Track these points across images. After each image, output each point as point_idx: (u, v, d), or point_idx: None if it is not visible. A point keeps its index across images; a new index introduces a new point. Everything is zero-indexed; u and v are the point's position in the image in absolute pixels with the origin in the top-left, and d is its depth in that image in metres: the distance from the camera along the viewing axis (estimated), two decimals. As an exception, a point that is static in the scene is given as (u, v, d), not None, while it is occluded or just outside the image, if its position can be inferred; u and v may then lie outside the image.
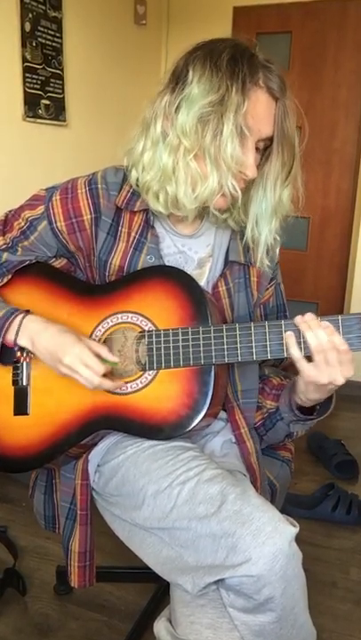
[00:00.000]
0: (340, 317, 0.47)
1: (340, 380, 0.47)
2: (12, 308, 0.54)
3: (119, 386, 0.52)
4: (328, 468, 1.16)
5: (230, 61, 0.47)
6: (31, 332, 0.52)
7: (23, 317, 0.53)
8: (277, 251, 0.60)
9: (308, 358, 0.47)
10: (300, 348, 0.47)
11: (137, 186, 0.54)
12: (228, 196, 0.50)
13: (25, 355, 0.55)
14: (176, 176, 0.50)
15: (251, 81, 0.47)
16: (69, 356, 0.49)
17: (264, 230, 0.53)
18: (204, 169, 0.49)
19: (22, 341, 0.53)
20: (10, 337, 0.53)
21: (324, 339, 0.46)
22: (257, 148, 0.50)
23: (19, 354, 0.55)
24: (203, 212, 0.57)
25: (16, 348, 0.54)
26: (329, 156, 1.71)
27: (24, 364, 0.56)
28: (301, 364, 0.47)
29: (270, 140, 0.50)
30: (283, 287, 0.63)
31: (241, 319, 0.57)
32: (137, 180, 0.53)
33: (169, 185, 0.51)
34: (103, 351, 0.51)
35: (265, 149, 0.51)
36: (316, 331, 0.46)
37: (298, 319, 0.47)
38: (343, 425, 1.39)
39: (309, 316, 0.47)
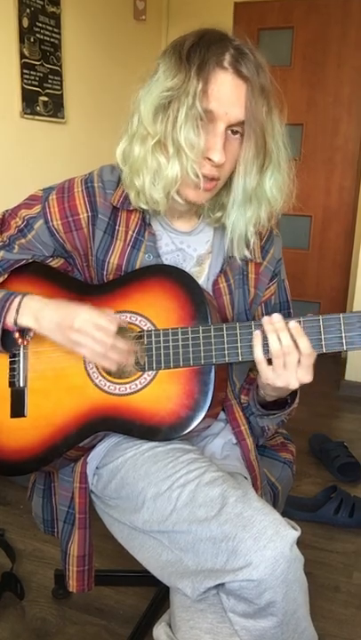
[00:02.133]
0: (341, 315, 0.46)
1: (294, 385, 0.47)
2: (6, 291, 0.53)
3: (132, 347, 0.50)
4: (331, 470, 1.15)
5: (192, 47, 0.46)
6: (33, 310, 0.51)
7: (22, 297, 0.52)
8: (279, 248, 0.59)
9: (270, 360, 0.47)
10: (265, 350, 0.47)
11: (124, 183, 0.53)
12: (193, 185, 0.49)
13: (24, 338, 0.53)
14: (144, 168, 0.49)
15: (212, 63, 0.45)
16: (78, 320, 0.48)
17: (233, 216, 0.51)
18: (168, 157, 0.48)
19: (24, 320, 0.51)
20: (10, 318, 0.51)
21: (286, 342, 0.45)
22: (233, 132, 0.48)
23: (17, 335, 0.53)
24: (199, 209, 0.55)
25: (15, 332, 0.53)
26: (331, 153, 1.70)
27: (21, 364, 0.55)
28: (261, 367, 0.47)
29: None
30: (287, 284, 0.62)
31: (241, 316, 0.57)
32: (123, 177, 0.53)
33: (137, 178, 0.50)
34: (109, 312, 0.50)
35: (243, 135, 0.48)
36: (280, 334, 0.46)
37: (265, 320, 0.47)
38: (346, 427, 1.38)
39: (276, 318, 0.46)
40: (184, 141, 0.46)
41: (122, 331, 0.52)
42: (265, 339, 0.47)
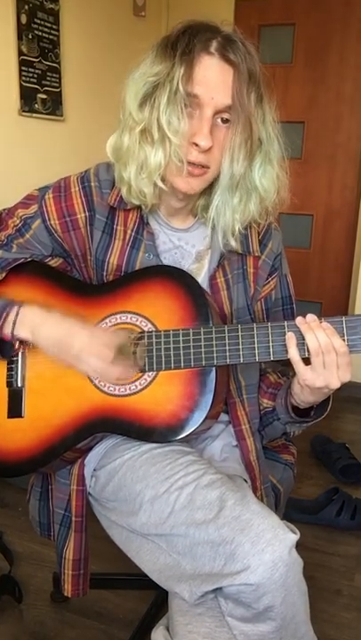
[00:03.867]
0: (343, 318, 0.46)
1: (336, 384, 0.46)
2: (4, 300, 0.52)
3: (127, 372, 0.50)
4: (332, 471, 1.14)
5: (179, 35, 0.46)
6: (31, 323, 0.50)
7: (19, 309, 0.51)
8: (279, 242, 0.58)
9: (307, 361, 0.47)
10: (300, 349, 0.46)
11: (117, 179, 0.52)
12: (177, 172, 0.48)
13: (23, 345, 0.53)
14: (131, 159, 0.49)
15: (197, 49, 0.45)
16: (76, 347, 0.48)
17: (216, 201, 0.50)
18: (152, 143, 0.47)
19: (22, 333, 0.51)
20: (7, 330, 0.51)
21: (323, 340, 0.45)
22: (223, 119, 0.47)
23: (17, 345, 0.53)
24: (194, 207, 0.55)
25: (14, 341, 0.52)
26: (333, 150, 1.68)
27: (19, 364, 0.55)
28: (298, 367, 0.47)
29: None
30: (290, 279, 0.61)
31: (240, 312, 0.56)
32: (115, 173, 0.52)
33: (124, 170, 0.50)
34: (109, 338, 0.49)
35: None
36: (317, 332, 0.45)
37: (299, 320, 0.46)
38: (348, 428, 1.37)
39: (310, 317, 0.46)
40: (167, 126, 0.45)
41: (125, 333, 0.51)
42: (299, 338, 0.45)
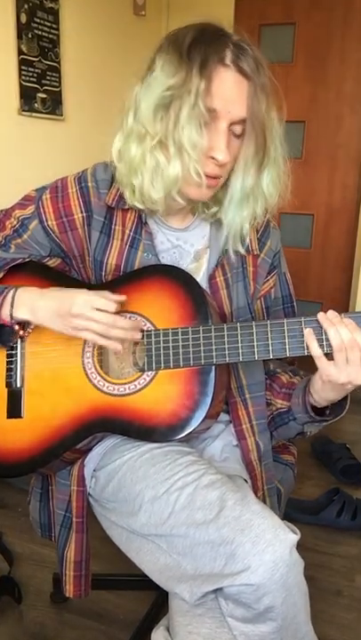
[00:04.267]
0: (343, 316, 0.46)
1: (359, 380, 0.46)
2: (2, 285, 0.52)
3: (136, 325, 0.49)
4: (333, 472, 1.14)
5: (192, 43, 0.45)
6: (28, 301, 0.50)
7: (16, 290, 0.51)
8: (278, 240, 0.58)
9: (327, 356, 0.46)
10: (321, 345, 0.46)
11: (118, 181, 0.52)
12: (195, 184, 0.48)
13: (26, 330, 0.53)
14: (143, 167, 0.49)
15: (214, 60, 0.45)
16: (76, 305, 0.47)
17: (231, 214, 0.51)
18: (168, 156, 0.47)
19: (20, 313, 0.50)
20: (5, 312, 0.51)
21: (346, 336, 0.45)
22: (234, 133, 0.48)
23: (17, 327, 0.52)
24: (194, 206, 0.55)
25: (14, 324, 0.52)
26: (333, 150, 1.68)
27: (18, 365, 0.54)
28: (321, 362, 0.46)
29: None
30: (289, 277, 0.61)
31: (241, 311, 0.56)
32: (116, 175, 0.52)
33: (135, 177, 0.50)
34: (107, 293, 0.49)
35: (243, 133, 0.48)
36: (339, 328, 0.45)
37: (321, 316, 0.46)
38: (348, 428, 1.36)
39: (332, 314, 0.46)
40: (187, 141, 0.45)
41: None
42: (318, 334, 0.45)
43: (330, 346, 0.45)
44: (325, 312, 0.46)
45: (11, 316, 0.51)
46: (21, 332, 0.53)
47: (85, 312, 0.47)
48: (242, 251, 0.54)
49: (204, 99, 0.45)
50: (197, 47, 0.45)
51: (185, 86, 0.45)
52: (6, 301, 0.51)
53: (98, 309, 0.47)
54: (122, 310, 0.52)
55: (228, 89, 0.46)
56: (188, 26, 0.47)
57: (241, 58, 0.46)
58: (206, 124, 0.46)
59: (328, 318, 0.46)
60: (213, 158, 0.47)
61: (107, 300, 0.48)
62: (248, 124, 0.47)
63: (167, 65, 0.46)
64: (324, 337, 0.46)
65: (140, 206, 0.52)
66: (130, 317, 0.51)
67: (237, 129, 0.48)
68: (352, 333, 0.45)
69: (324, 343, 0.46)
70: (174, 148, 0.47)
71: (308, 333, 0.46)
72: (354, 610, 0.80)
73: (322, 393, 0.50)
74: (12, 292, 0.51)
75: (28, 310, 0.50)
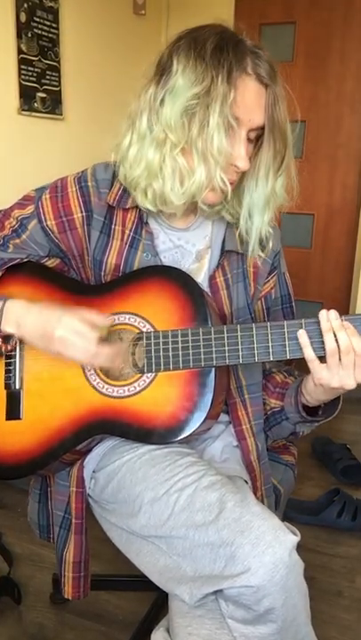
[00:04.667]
0: (343, 318, 0.46)
1: (351, 385, 0.46)
2: None
3: (117, 352, 0.49)
4: (333, 472, 1.14)
5: (215, 50, 0.45)
6: (16, 316, 0.50)
7: (4, 304, 0.51)
8: (278, 240, 0.58)
9: (321, 358, 0.46)
10: (315, 348, 0.46)
11: (126, 182, 0.52)
12: (218, 190, 0.49)
13: (7, 343, 0.53)
14: (163, 172, 0.49)
15: (238, 69, 0.45)
16: (59, 329, 0.47)
17: (257, 222, 0.52)
18: (192, 163, 0.48)
19: (7, 327, 0.50)
20: None
21: (343, 341, 0.44)
22: (249, 139, 0.49)
23: (0, 342, 0.52)
24: (195, 207, 0.55)
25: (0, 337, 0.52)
26: (334, 150, 1.68)
27: (17, 366, 0.54)
28: (314, 365, 0.46)
29: (262, 128, 0.48)
30: (288, 277, 0.61)
31: (241, 312, 0.56)
32: (125, 176, 0.52)
33: (155, 181, 0.50)
34: (93, 317, 0.49)
35: (257, 139, 0.50)
36: (338, 333, 0.45)
37: (322, 315, 0.45)
38: (349, 429, 1.36)
39: (333, 315, 0.45)
40: (216, 149, 0.46)
41: (119, 334, 0.51)
42: (314, 336, 0.45)
43: (324, 349, 0.45)
44: (343, 316, 0.46)
45: None
46: (3, 347, 0.52)
47: (68, 336, 0.47)
48: (262, 255, 0.55)
49: (231, 107, 0.45)
50: (221, 54, 0.45)
51: (210, 94, 0.45)
52: None
53: (81, 334, 0.47)
54: (121, 311, 0.51)
55: (250, 98, 0.46)
56: (203, 27, 0.47)
57: (259, 65, 0.46)
58: (228, 131, 0.46)
59: (328, 320, 0.45)
60: (235, 165, 0.48)
61: (91, 326, 0.47)
62: (267, 131, 0.48)
63: (190, 70, 0.45)
64: (317, 339, 0.45)
65: (153, 209, 0.52)
66: (128, 318, 0.51)
67: (252, 135, 0.49)
68: (350, 337, 0.45)
69: (317, 346, 0.45)
70: (198, 155, 0.47)
71: (301, 336, 0.46)
72: (354, 610, 0.79)
73: (313, 394, 0.50)
74: (0, 303, 0.51)
75: (14, 325, 0.50)
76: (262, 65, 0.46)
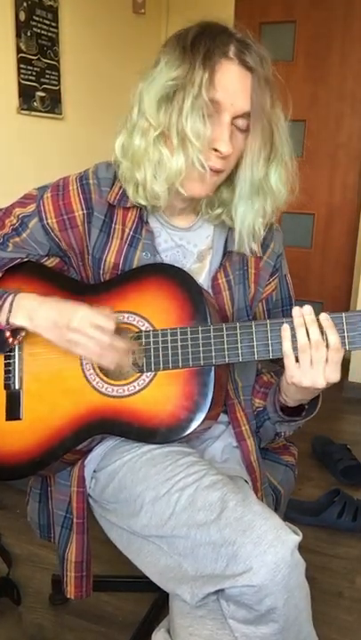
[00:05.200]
0: (343, 314, 0.45)
1: (321, 384, 0.45)
2: (0, 290, 0.52)
3: (131, 347, 0.49)
4: (333, 473, 1.14)
5: (196, 37, 0.46)
6: (27, 309, 0.50)
7: (14, 296, 0.51)
8: (280, 242, 0.58)
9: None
10: (294, 342, 0.45)
11: (121, 178, 0.52)
12: (198, 178, 0.48)
13: (15, 337, 0.52)
14: (146, 160, 0.48)
15: (217, 53, 0.45)
16: (75, 319, 0.47)
17: (242, 208, 0.51)
18: (172, 148, 0.47)
19: (18, 319, 0.50)
20: (2, 317, 0.50)
21: (315, 337, 0.44)
22: (238, 128, 0.48)
23: (8, 334, 0.52)
24: (195, 205, 0.54)
25: (7, 331, 0.51)
26: (334, 150, 1.68)
27: (16, 366, 0.54)
28: (288, 361, 0.46)
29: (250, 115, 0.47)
30: (289, 279, 0.61)
31: (241, 312, 0.56)
32: (121, 172, 0.52)
33: (138, 171, 0.49)
34: (107, 311, 0.49)
35: (248, 128, 0.48)
36: (311, 328, 0.44)
37: (295, 312, 0.45)
38: (349, 429, 1.37)
39: (307, 310, 0.45)
40: (190, 131, 0.45)
41: (123, 333, 0.51)
42: (293, 330, 0.45)
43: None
44: (326, 312, 0.45)
45: (7, 321, 0.50)
46: (11, 340, 0.52)
47: (84, 327, 0.46)
48: (255, 248, 0.53)
49: (207, 89, 0.44)
50: (201, 41, 0.45)
51: (188, 77, 0.44)
52: (4, 306, 0.50)
53: (97, 326, 0.47)
54: (120, 310, 0.51)
55: (232, 81, 0.45)
56: (192, 24, 0.47)
57: (245, 52, 0.46)
58: (210, 116, 0.46)
59: (301, 315, 0.45)
60: (216, 150, 0.47)
61: (106, 318, 0.47)
62: (253, 116, 0.46)
63: (171, 59, 0.46)
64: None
65: (144, 202, 0.51)
66: (127, 317, 0.51)
67: (242, 123, 0.47)
68: (325, 331, 0.44)
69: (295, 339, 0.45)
70: (177, 140, 0.46)
71: (284, 329, 0.45)
72: (355, 611, 0.79)
73: (289, 393, 0.50)
74: (10, 297, 0.51)
75: (26, 317, 0.50)
76: (249, 53, 0.45)
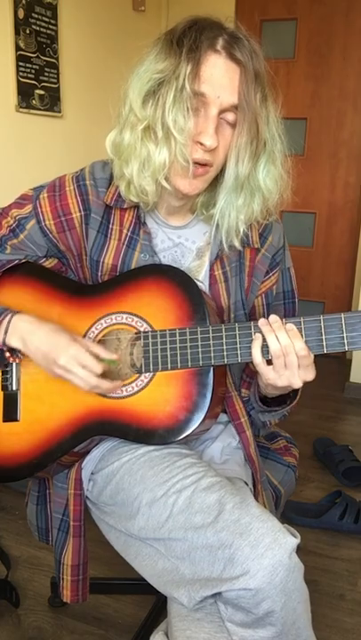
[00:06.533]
0: (342, 315, 0.45)
1: (298, 384, 0.46)
2: (0, 308, 0.52)
3: (117, 386, 0.49)
4: (335, 474, 1.13)
5: (183, 32, 0.45)
6: (22, 332, 0.50)
7: (12, 317, 0.51)
8: (280, 235, 0.57)
9: (268, 361, 0.47)
10: (264, 351, 0.46)
11: (115, 176, 0.52)
12: (181, 171, 0.47)
13: (15, 356, 0.53)
14: (133, 156, 0.48)
15: (205, 45, 0.44)
16: (64, 357, 0.47)
17: (222, 202, 0.50)
18: (157, 142, 0.47)
19: (13, 341, 0.51)
20: None
21: (285, 342, 0.45)
22: (227, 122, 0.47)
23: (7, 354, 0.53)
24: (193, 205, 0.54)
25: (5, 349, 0.52)
26: (336, 148, 1.67)
27: (14, 367, 0.54)
28: (260, 368, 0.47)
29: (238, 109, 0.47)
30: (293, 272, 0.60)
31: (237, 305, 0.55)
32: (114, 171, 0.51)
33: (126, 167, 0.49)
34: (100, 351, 0.49)
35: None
36: (279, 334, 0.45)
37: (262, 321, 0.46)
38: (351, 430, 1.35)
39: (273, 319, 0.46)
40: (172, 124, 0.45)
41: (117, 334, 0.51)
42: (264, 340, 0.46)
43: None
44: (328, 312, 0.46)
45: (3, 341, 0.51)
46: (12, 359, 0.53)
47: (72, 367, 0.47)
48: (237, 245, 0.52)
49: (191, 82, 0.44)
50: (189, 34, 0.44)
51: (173, 70, 0.44)
52: (2, 325, 0.51)
53: (84, 366, 0.47)
54: (118, 311, 0.51)
55: (218, 74, 0.45)
56: (183, 19, 0.47)
57: (234, 46, 0.45)
58: (196, 109, 0.45)
59: (268, 324, 0.46)
60: (201, 144, 0.46)
61: (94, 362, 0.48)
62: (239, 110, 0.46)
63: (157, 53, 0.45)
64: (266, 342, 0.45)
65: (136, 200, 0.51)
66: (126, 318, 0.50)
67: (230, 117, 0.46)
68: (291, 340, 0.45)
69: (267, 349, 0.45)
70: (162, 133, 0.45)
71: (256, 338, 0.46)
72: (356, 614, 0.78)
73: (266, 389, 0.50)
74: (9, 316, 0.51)
75: (20, 340, 0.50)
76: (238, 46, 0.45)
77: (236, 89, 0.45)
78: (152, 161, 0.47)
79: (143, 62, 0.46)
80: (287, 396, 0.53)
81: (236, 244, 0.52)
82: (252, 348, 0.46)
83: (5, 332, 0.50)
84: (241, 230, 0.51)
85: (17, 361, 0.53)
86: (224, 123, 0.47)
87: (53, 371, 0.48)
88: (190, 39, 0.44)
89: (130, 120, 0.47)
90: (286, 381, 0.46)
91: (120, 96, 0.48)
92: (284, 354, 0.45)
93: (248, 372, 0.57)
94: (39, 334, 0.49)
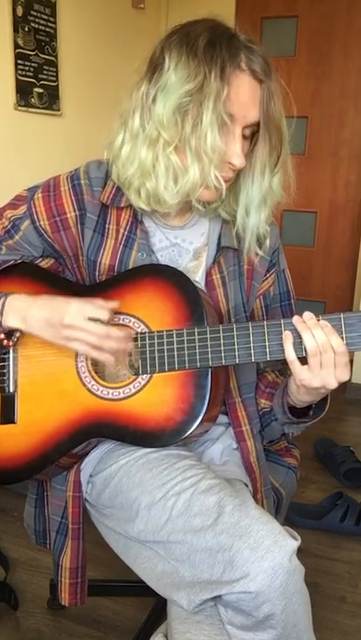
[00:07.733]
0: (341, 315, 0.45)
1: (333, 384, 0.45)
2: None
3: (128, 337, 0.48)
4: (336, 476, 1.12)
5: (208, 45, 0.45)
6: (19, 309, 0.49)
7: (6, 297, 0.50)
8: (276, 236, 0.57)
9: (303, 360, 0.46)
10: (296, 349, 0.45)
11: (119, 181, 0.51)
12: (213, 188, 0.48)
13: (10, 339, 0.52)
14: (156, 171, 0.48)
15: (231, 65, 0.45)
16: (68, 315, 0.46)
17: (253, 219, 0.51)
18: (185, 161, 0.47)
19: (10, 321, 0.50)
20: None
21: (321, 340, 0.44)
22: (244, 136, 0.48)
23: (2, 336, 0.52)
24: (190, 205, 0.54)
25: (1, 334, 0.51)
26: (337, 147, 1.66)
27: (11, 369, 0.53)
28: (295, 367, 0.46)
29: (257, 125, 0.48)
30: (288, 274, 0.60)
31: (238, 309, 0.55)
32: (118, 175, 0.51)
33: (148, 180, 0.49)
34: (99, 301, 0.48)
35: (253, 135, 0.49)
36: (314, 331, 0.44)
37: (296, 319, 0.46)
38: (352, 431, 1.35)
39: (308, 316, 0.45)
40: (210, 147, 0.45)
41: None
42: (296, 337, 0.45)
43: (303, 349, 0.45)
44: (329, 311, 0.45)
45: (0, 324, 0.50)
46: (5, 342, 0.52)
47: (78, 322, 0.46)
48: (260, 252, 0.54)
49: (224, 104, 0.44)
50: (214, 49, 0.44)
51: (203, 91, 0.44)
52: None
53: (91, 319, 0.46)
54: (116, 312, 0.50)
55: (244, 93, 0.46)
56: (196, 22, 0.46)
57: (253, 60, 0.46)
58: (222, 127, 0.46)
59: (303, 321, 0.45)
60: (230, 163, 0.47)
61: (99, 308, 0.47)
62: (263, 127, 0.47)
63: (182, 67, 0.45)
64: (298, 340, 0.45)
65: (146, 208, 0.51)
66: (122, 319, 0.50)
67: (247, 131, 0.48)
68: (328, 336, 0.44)
69: (300, 347, 0.45)
70: (191, 153, 0.46)
71: (287, 336, 0.45)
72: (358, 617, 0.78)
73: (298, 396, 0.49)
74: (2, 299, 0.50)
75: (19, 318, 0.49)
76: (256, 60, 0.46)
77: (258, 106, 0.46)
78: (182, 179, 0.47)
79: (160, 72, 0.45)
80: (309, 408, 0.52)
81: (260, 252, 0.54)
82: (285, 346, 0.45)
83: (1, 314, 0.49)
84: (263, 238, 0.53)
85: (11, 344, 0.51)
86: (242, 137, 0.48)
87: (61, 333, 0.47)
88: (216, 54, 0.44)
89: (149, 134, 0.46)
90: (321, 382, 0.44)
91: (125, 99, 0.47)
92: (321, 351, 0.44)
93: (267, 383, 0.56)
94: (36, 306, 0.48)
